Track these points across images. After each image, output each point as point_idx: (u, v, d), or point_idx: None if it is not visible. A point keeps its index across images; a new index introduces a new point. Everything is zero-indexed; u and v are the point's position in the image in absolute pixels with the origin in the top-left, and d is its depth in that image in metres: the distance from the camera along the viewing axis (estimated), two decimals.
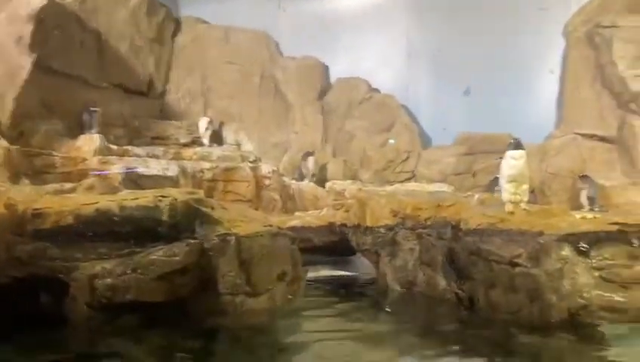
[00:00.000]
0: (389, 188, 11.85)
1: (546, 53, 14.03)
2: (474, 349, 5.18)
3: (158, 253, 5.11)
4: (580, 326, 5.44)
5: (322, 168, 13.71)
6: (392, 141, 14.49)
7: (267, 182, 11.51)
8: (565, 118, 13.28)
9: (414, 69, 15.32)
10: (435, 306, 6.83)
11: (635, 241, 5.78)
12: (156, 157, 10.62)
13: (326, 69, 15.39)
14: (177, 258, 5.04)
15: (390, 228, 7.87)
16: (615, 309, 5.26)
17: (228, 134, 13.76)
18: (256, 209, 10.15)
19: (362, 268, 9.08)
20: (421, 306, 7.09)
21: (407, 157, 14.38)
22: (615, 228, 6.05)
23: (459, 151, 13.90)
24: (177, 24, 15.16)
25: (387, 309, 7.07)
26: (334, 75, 15.51)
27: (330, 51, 15.13)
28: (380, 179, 13.78)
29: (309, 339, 5.48)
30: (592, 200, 11.72)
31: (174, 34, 15.01)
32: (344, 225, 8.84)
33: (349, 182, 12.78)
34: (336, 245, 9.20)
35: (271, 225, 6.12)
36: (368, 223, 8.20)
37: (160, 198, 5.50)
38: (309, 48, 15.11)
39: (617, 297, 5.25)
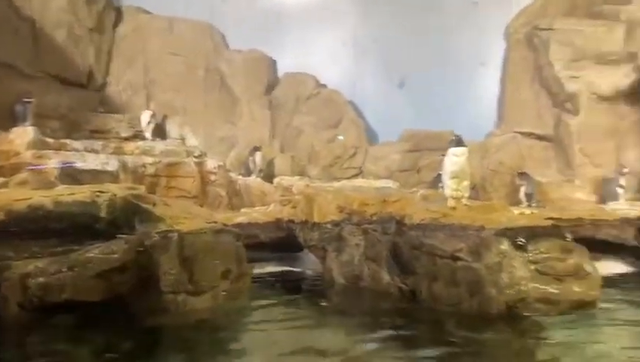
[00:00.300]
0: (336, 184, 11.90)
1: (488, 53, 14.47)
2: (415, 341, 5.26)
3: (95, 251, 4.92)
4: (517, 317, 5.63)
5: (270, 164, 13.62)
6: (340, 137, 14.58)
7: (213, 177, 11.29)
8: (505, 116, 13.76)
9: (361, 65, 15.45)
10: (380, 300, 6.90)
11: (569, 236, 6.04)
12: (95, 151, 10.21)
13: (273, 63, 15.29)
14: (115, 255, 4.87)
15: (337, 224, 7.90)
16: (549, 301, 5.47)
17: (172, 128, 13.41)
18: (202, 205, 9.94)
19: (309, 263, 9.07)
20: (366, 300, 7.16)
21: (355, 154, 14.51)
22: (550, 223, 6.32)
23: (404, 148, 14.16)
24: (118, 13, 14.64)
25: (323, 303, 7.07)
26: (282, 69, 15.43)
27: (277, 45, 15.02)
28: (328, 175, 13.84)
29: (254, 338, 5.42)
30: (530, 196, 12.23)
31: (115, 23, 14.49)
32: (291, 221, 8.80)
33: (297, 177, 12.75)
34: (283, 241, 9.15)
35: (215, 222, 6.02)
36: (315, 219, 8.21)
37: (98, 194, 5.30)
38: (256, 42, 14.95)
39: (552, 289, 5.46)
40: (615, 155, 11.97)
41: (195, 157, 11.34)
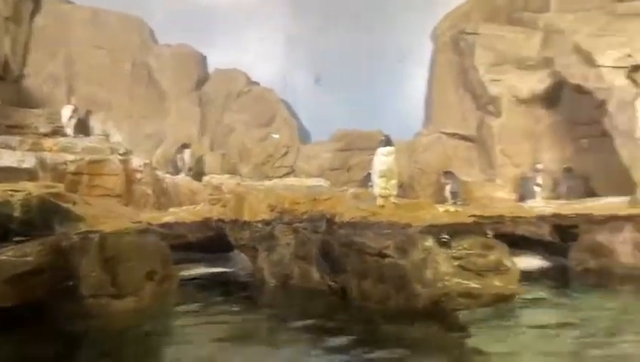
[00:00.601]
0: (267, 183, 11.83)
1: (418, 56, 14.88)
2: (344, 338, 5.31)
3: (7, 253, 4.61)
4: (441, 312, 5.81)
5: (199, 161, 13.34)
6: (275, 136, 14.51)
7: (139, 175, 10.90)
8: (432, 117, 14.19)
9: (293, 64, 15.49)
10: (310, 298, 6.92)
11: (489, 232, 6.30)
12: (11, 147, 9.60)
13: (203, 58, 14.99)
14: (29, 258, 4.59)
15: (268, 223, 7.85)
16: (472, 295, 5.67)
17: (95, 124, 12.85)
18: (126, 205, 9.58)
19: (240, 264, 8.96)
20: (296, 299, 7.16)
21: (287, 152, 14.49)
22: (472, 220, 6.56)
23: (335, 148, 14.30)
24: (36, 3, 13.81)
25: (253, 304, 7.02)
26: (212, 65, 15.18)
27: (207, 41, 14.83)
28: (260, 174, 13.73)
29: (180, 341, 5.27)
30: (454, 194, 12.68)
31: (33, 13, 13.66)
32: (221, 220, 8.65)
33: (227, 176, 12.56)
34: (212, 241, 8.98)
35: (140, 222, 5.82)
36: (246, 218, 8.11)
37: (11, 193, 4.98)
38: (186, 37, 14.63)
39: (473, 284, 5.66)
40: (533, 156, 12.63)
41: (120, 154, 10.89)
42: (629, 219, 9.08)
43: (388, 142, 7.21)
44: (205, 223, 8.95)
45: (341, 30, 15.00)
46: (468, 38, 13.13)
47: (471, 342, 5.29)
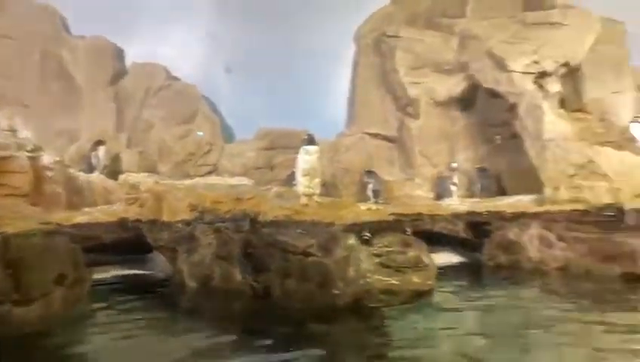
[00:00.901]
0: (187, 181, 11.49)
1: (343, 57, 15.05)
2: (267, 338, 5.25)
3: None
4: (363, 309, 5.90)
5: (115, 159, 12.75)
6: (200, 133, 14.14)
7: (49, 173, 10.20)
8: (355, 118, 14.42)
9: (218, 61, 15.21)
10: (232, 300, 6.79)
11: (408, 230, 6.48)
12: None
13: (120, 51, 14.36)
14: None
15: (188, 223, 7.62)
16: (392, 292, 5.82)
17: (0, 119, 11.91)
18: (35, 204, 8.95)
19: (159, 265, 8.63)
20: (217, 301, 7.00)
21: (209, 150, 14.18)
22: (392, 218, 6.72)
23: (259, 146, 14.19)
24: None
25: (172, 307, 6.80)
26: (130, 59, 14.58)
27: (125, 33, 14.25)
28: (180, 172, 13.34)
29: (92, 348, 4.99)
30: (376, 193, 12.96)
31: None
32: (138, 220, 8.30)
33: (145, 174, 12.08)
34: (129, 242, 8.59)
35: (49, 223, 5.45)
36: (165, 218, 7.84)
37: None
38: (102, 29, 13.96)
39: (393, 281, 5.82)
40: (449, 156, 13.15)
41: (28, 151, 10.15)
42: (535, 216, 9.64)
43: (311, 140, 7.25)
44: (121, 224, 8.56)
45: (267, 29, 14.92)
46: (389, 41, 13.45)
47: (390, 338, 5.39)
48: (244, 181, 11.83)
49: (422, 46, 13.17)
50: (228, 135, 15.08)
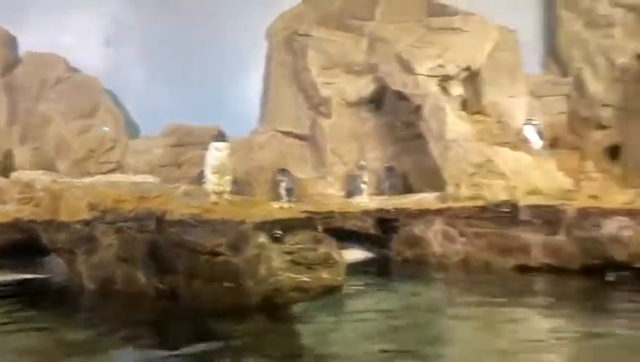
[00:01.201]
0: (87, 179, 10.84)
1: (254, 52, 14.82)
2: (173, 342, 5.07)
3: None
4: (274, 307, 5.85)
5: (7, 155, 11.82)
6: (106, 128, 13.38)
7: None
8: (267, 115, 14.33)
9: (122, 53, 14.48)
10: (135, 303, 6.49)
11: (319, 227, 6.50)
12: None
13: (12, 39, 13.26)
14: None
15: (87, 223, 7.18)
16: (302, 289, 5.79)
17: None
18: None
19: (56, 268, 8.10)
20: (118, 304, 6.66)
21: (112, 147, 13.50)
22: (304, 215, 6.71)
23: (167, 143, 13.69)
24: None
25: (68, 313, 6.39)
26: (24, 48, 13.48)
27: (18, 19, 13.07)
28: (81, 170, 12.56)
29: None
30: (290, 191, 12.96)
31: None
32: (33, 221, 7.75)
33: (40, 172, 11.22)
34: (23, 244, 8.01)
35: None
36: (63, 218, 7.36)
37: None
38: None
39: (304, 278, 5.79)
40: (360, 155, 13.42)
41: None
42: (439, 213, 10.08)
43: (221, 137, 7.09)
44: (14, 225, 7.99)
45: (178, 21, 14.38)
46: (300, 40, 13.50)
47: (300, 335, 5.40)
48: (150, 179, 11.36)
49: (333, 46, 13.33)
50: (133, 131, 14.40)
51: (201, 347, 4.81)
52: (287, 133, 13.81)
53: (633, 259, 7.63)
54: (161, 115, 14.03)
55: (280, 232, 6.04)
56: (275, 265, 5.78)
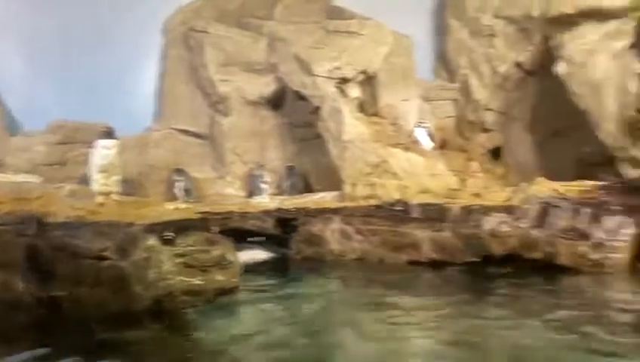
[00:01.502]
0: None
1: (148, 47, 14.25)
2: (49, 351, 4.74)
3: None
4: (165, 312, 5.67)
5: None
6: None
7: None
8: (163, 113, 13.86)
9: (3, 46, 13.33)
10: (10, 312, 5.97)
11: (214, 228, 6.41)
12: None
13: None
14: None
15: None
16: (195, 292, 5.69)
17: None
18: None
19: None
20: None
21: None
22: (198, 216, 6.59)
23: (51, 140, 12.75)
24: None
25: None
26: None
27: None
28: None
29: None
30: (187, 191, 12.65)
31: None
32: None
33: None
34: None
35: None
36: None
37: None
38: None
39: (197, 281, 5.69)
40: (260, 154, 13.39)
41: None
42: (337, 211, 10.31)
43: (110, 134, 6.78)
44: None
45: (64, 13, 13.46)
46: (197, 36, 13.20)
47: (193, 339, 5.27)
48: (31, 178, 10.55)
49: (232, 44, 13.17)
50: (13, 127, 13.30)
51: (79, 356, 4.53)
52: (184, 132, 13.44)
53: (510, 252, 8.27)
54: (47, 113, 13.06)
55: (171, 234, 5.89)
56: (166, 268, 5.62)
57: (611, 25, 11.64)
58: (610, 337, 4.83)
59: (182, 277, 5.62)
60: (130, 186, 12.41)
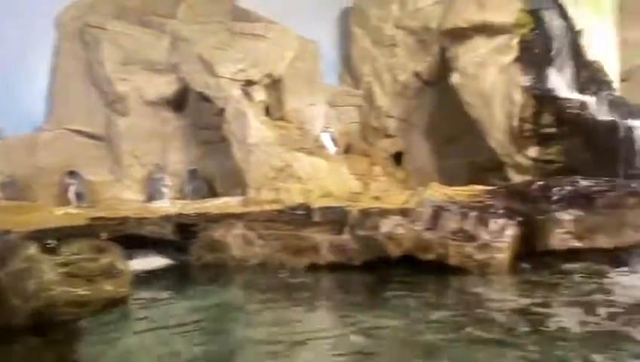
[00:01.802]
0: None
1: (38, 42, 13.30)
2: None
3: None
4: (45, 325, 5.30)
5: None
6: None
7: None
8: (55, 111, 12.99)
9: None
10: None
11: (103, 235, 6.10)
12: None
13: None
14: None
15: None
16: (80, 303, 5.36)
17: None
18: None
19: None
20: None
21: None
22: (87, 222, 6.24)
23: None
24: None
25: None
26: None
27: None
28: None
29: None
30: (80, 195, 11.97)
31: None
32: None
33: None
34: None
35: None
36: None
37: None
38: None
39: (82, 291, 5.37)
40: (161, 157, 12.92)
41: None
42: (240, 216, 10.17)
43: None
44: None
45: None
46: (93, 32, 12.51)
47: (75, 354, 4.97)
48: None
49: (131, 42, 12.61)
50: None
51: None
52: (78, 132, 12.67)
53: (406, 254, 8.58)
54: None
55: (54, 242, 5.53)
56: (47, 278, 5.27)
57: (500, 39, 12.46)
58: (482, 334, 5.14)
59: (65, 288, 5.28)
60: (16, 190, 11.61)
